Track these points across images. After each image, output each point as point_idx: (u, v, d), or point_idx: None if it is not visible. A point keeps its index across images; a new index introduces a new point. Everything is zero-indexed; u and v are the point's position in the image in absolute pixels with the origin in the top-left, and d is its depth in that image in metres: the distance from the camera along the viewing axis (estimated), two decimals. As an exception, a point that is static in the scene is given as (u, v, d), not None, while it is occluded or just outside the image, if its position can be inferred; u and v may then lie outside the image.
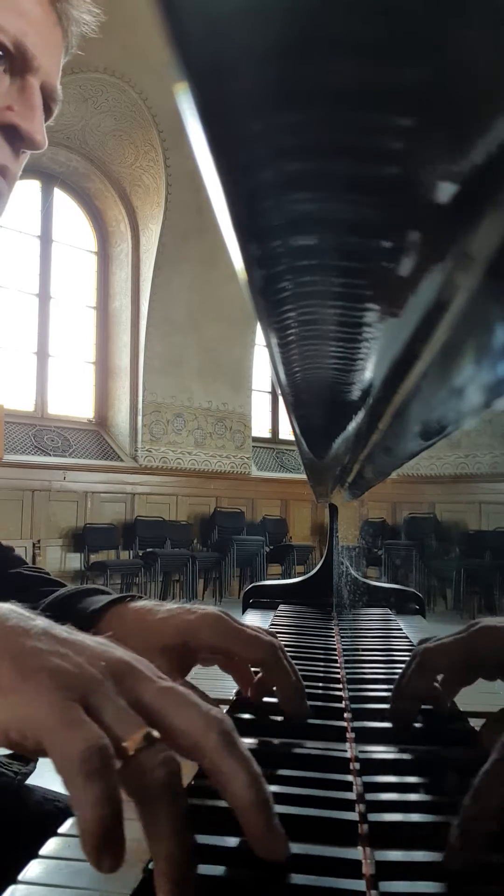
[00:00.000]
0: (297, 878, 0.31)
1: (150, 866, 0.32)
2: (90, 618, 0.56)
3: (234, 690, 0.62)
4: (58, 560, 6.30)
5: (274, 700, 0.58)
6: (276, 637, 0.56)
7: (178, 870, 0.29)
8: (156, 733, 0.31)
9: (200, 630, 0.53)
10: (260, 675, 0.56)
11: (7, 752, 0.63)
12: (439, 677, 0.55)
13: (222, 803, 0.33)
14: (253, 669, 0.58)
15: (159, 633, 0.54)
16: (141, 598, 0.59)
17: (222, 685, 0.62)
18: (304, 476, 1.13)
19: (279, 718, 0.55)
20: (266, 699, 0.59)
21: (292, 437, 0.89)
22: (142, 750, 0.30)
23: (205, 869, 0.32)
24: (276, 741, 0.50)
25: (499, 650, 0.52)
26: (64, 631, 0.36)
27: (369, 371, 0.32)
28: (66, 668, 0.32)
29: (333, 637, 0.91)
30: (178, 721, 0.33)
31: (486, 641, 0.53)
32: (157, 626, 0.54)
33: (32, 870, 0.32)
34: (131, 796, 0.30)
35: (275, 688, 0.54)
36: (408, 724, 0.53)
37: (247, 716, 0.55)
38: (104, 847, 0.28)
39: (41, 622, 0.36)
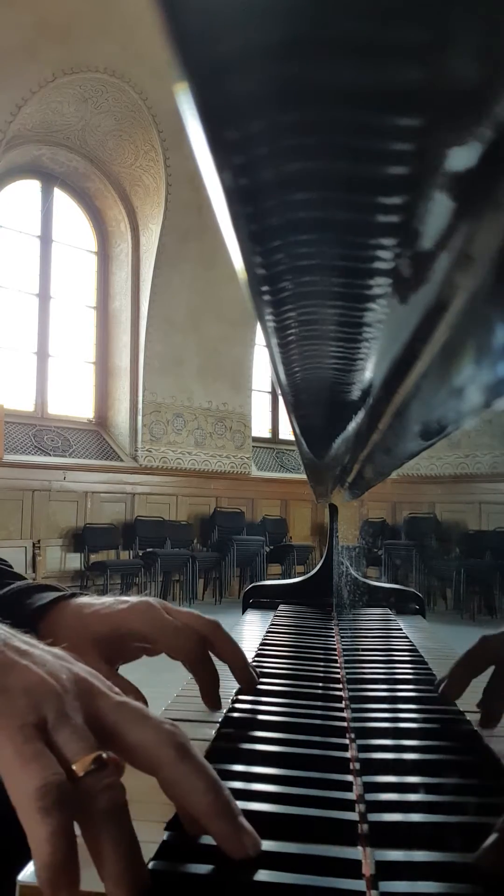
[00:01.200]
0: (298, 879, 0.31)
1: (151, 866, 0.32)
2: (34, 614, 0.56)
3: (234, 690, 0.62)
4: (58, 560, 6.30)
5: (276, 700, 0.58)
6: (212, 621, 0.56)
7: (126, 892, 0.29)
8: (106, 755, 0.32)
9: (128, 620, 0.54)
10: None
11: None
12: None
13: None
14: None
15: (91, 624, 0.54)
16: (83, 594, 0.59)
17: (223, 685, 0.62)
18: (304, 476, 1.13)
19: (278, 719, 0.55)
20: (267, 699, 0.59)
21: (292, 437, 0.89)
22: (89, 774, 0.31)
23: (204, 869, 0.32)
24: (275, 741, 0.50)
25: None
26: (24, 643, 0.36)
27: (369, 371, 0.32)
28: (25, 686, 0.32)
29: (333, 637, 0.91)
30: (134, 737, 0.33)
31: None
32: (90, 619, 0.55)
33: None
34: (76, 820, 0.30)
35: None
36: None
37: (246, 716, 0.55)
38: (59, 881, 0.28)
39: (1, 634, 0.36)
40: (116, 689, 0.36)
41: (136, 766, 0.33)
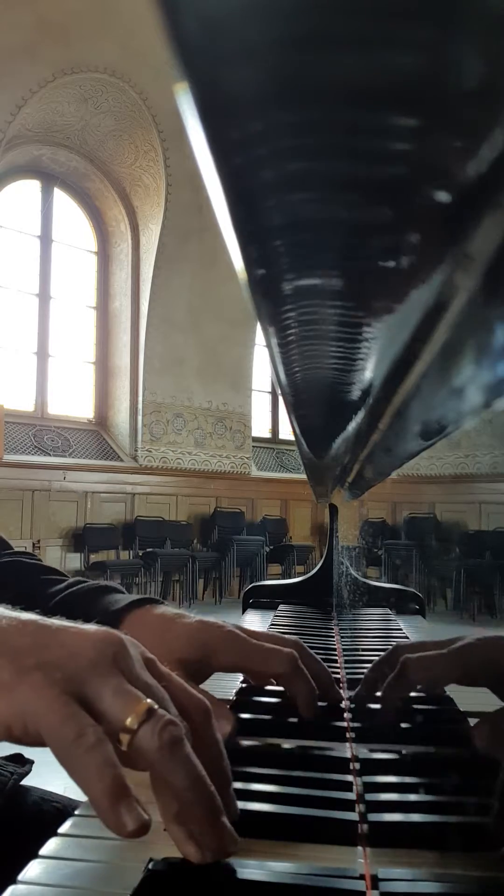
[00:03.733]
0: (297, 879, 0.31)
1: (151, 866, 0.32)
2: (112, 617, 0.57)
3: (234, 690, 0.62)
4: (58, 560, 6.29)
5: (273, 700, 0.58)
6: (294, 641, 0.57)
7: (210, 811, 0.31)
8: (154, 704, 0.33)
9: (219, 651, 0.54)
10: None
11: (2, 753, 0.63)
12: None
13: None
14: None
15: (178, 645, 0.54)
16: (163, 603, 0.60)
17: (223, 685, 0.62)
18: (304, 476, 1.13)
19: (278, 718, 0.55)
20: (265, 700, 0.59)
21: (292, 437, 0.89)
22: (144, 723, 0.32)
23: (203, 868, 0.32)
24: (275, 741, 0.50)
25: (488, 664, 0.53)
26: (55, 622, 0.37)
27: (369, 371, 0.32)
28: (59, 663, 0.34)
29: (333, 637, 0.91)
30: (169, 701, 0.35)
31: (476, 658, 0.53)
32: (177, 639, 0.55)
33: (32, 870, 0.32)
34: (148, 769, 0.32)
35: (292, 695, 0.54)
36: (394, 721, 0.54)
37: (247, 715, 0.55)
38: (121, 807, 0.30)
39: (32, 616, 0.37)
40: (150, 658, 0.37)
41: None
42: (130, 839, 0.30)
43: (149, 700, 0.33)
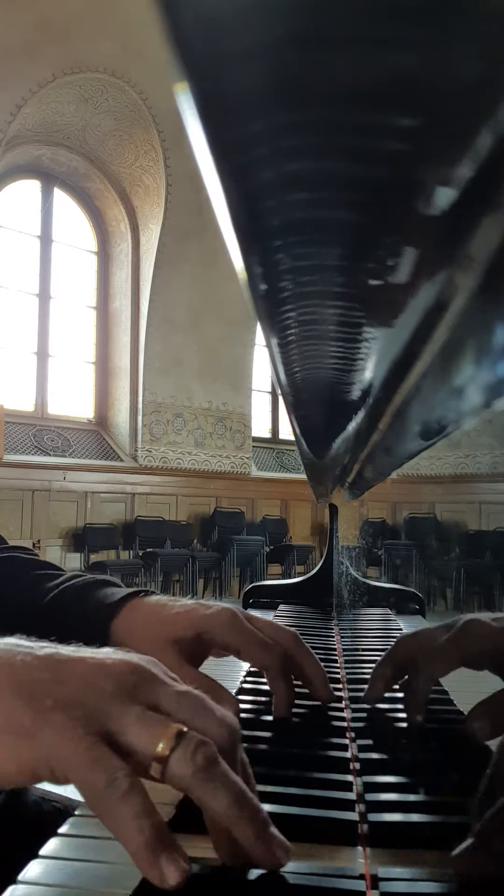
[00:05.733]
0: (297, 878, 0.31)
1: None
2: (108, 609, 0.57)
3: (234, 690, 0.62)
4: (58, 560, 6.29)
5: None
6: (291, 633, 0.56)
7: (259, 825, 0.30)
8: (183, 727, 0.32)
9: (214, 627, 0.54)
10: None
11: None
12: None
13: None
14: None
15: (172, 625, 0.54)
16: (155, 593, 0.59)
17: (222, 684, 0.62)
18: (304, 476, 1.13)
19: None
20: (266, 698, 0.59)
21: (292, 437, 0.89)
22: (174, 749, 0.31)
23: (201, 870, 0.32)
24: (275, 741, 0.50)
25: (486, 644, 0.53)
26: (71, 651, 0.35)
27: (369, 371, 0.32)
28: (78, 700, 0.32)
29: (333, 637, 0.91)
30: (195, 728, 0.33)
31: (475, 637, 0.53)
32: (171, 619, 0.54)
33: (32, 870, 0.32)
34: (186, 791, 0.31)
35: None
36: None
37: (246, 715, 0.55)
38: (161, 859, 0.28)
39: (47, 648, 0.35)
40: (175, 677, 0.36)
41: None
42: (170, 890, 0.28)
43: (176, 724, 0.32)
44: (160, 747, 0.31)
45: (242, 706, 0.57)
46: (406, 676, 0.56)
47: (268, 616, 1.06)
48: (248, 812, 0.30)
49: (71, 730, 0.31)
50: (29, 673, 0.34)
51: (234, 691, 0.62)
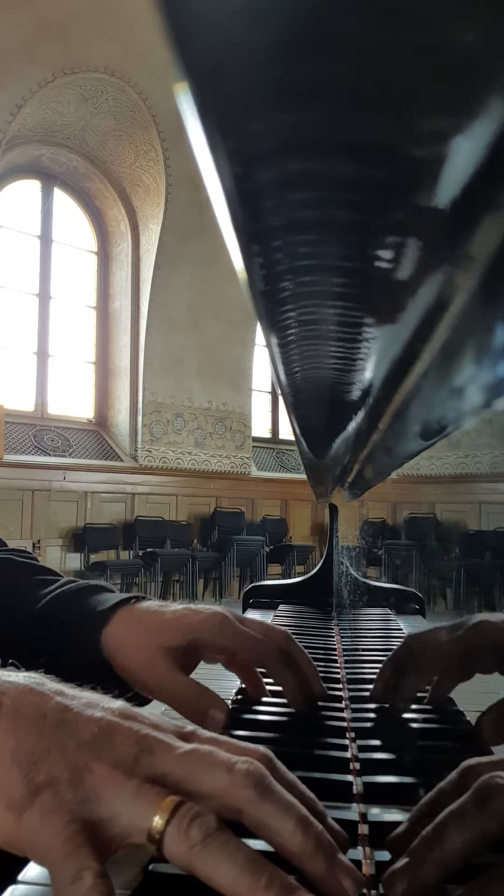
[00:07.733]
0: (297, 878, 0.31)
1: (151, 867, 0.32)
2: (98, 619, 0.56)
3: (234, 690, 0.62)
4: (58, 560, 6.29)
5: (277, 700, 0.58)
6: (283, 631, 0.56)
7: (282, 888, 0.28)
8: (179, 800, 0.30)
9: (205, 631, 0.54)
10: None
11: None
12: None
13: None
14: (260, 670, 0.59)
15: (164, 633, 0.54)
16: (147, 598, 0.59)
17: (223, 685, 0.62)
18: (304, 476, 1.13)
19: (278, 718, 0.55)
20: (267, 699, 0.59)
21: (292, 437, 0.89)
22: (169, 824, 0.29)
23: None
24: (276, 741, 0.50)
25: (497, 644, 0.53)
26: (83, 706, 0.34)
27: (369, 371, 0.32)
28: (73, 781, 0.31)
29: (333, 637, 0.91)
30: (207, 786, 0.31)
31: (485, 638, 0.53)
32: (162, 627, 0.54)
33: (32, 870, 0.32)
34: (189, 871, 0.29)
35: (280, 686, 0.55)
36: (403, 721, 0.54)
37: (246, 716, 0.55)
38: None
39: (55, 699, 0.34)
40: (179, 728, 0.34)
41: (219, 813, 0.30)
42: None
43: (170, 798, 0.30)
44: (155, 823, 0.29)
45: (242, 706, 0.57)
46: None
47: (268, 616, 1.06)
48: (252, 874, 0.28)
49: (57, 814, 0.30)
50: (31, 732, 0.32)
51: (234, 691, 0.62)
